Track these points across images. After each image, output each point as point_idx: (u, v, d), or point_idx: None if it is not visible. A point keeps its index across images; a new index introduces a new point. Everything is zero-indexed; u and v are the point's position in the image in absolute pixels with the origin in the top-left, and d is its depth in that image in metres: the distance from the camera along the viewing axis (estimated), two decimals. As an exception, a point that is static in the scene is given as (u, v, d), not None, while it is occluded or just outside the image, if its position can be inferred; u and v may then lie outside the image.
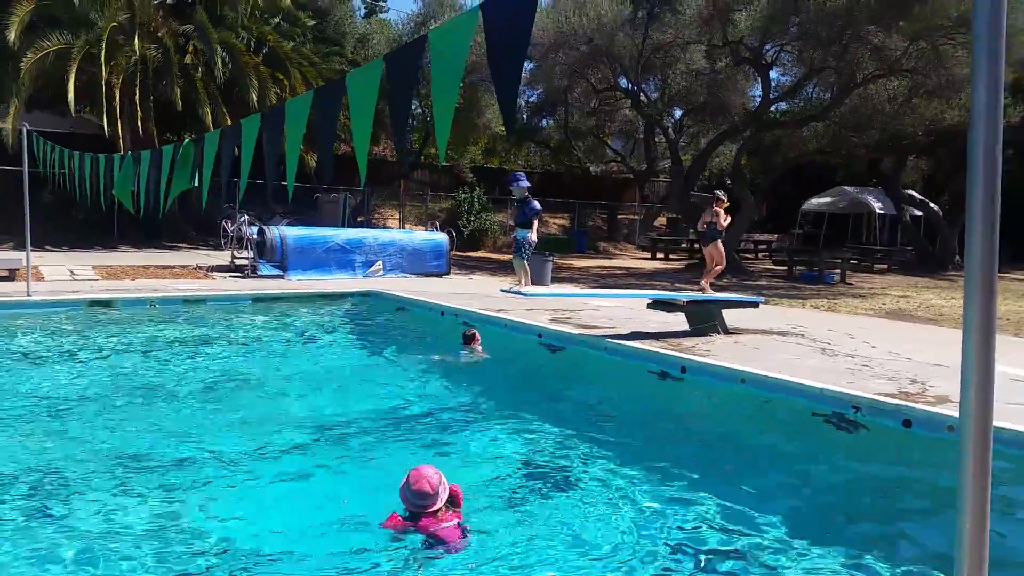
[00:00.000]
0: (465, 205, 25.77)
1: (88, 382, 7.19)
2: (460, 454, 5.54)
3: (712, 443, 6.16)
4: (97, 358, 8.15)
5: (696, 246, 24.62)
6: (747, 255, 26.78)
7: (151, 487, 4.61)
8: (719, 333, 8.98)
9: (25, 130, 10.72)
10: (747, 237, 26.88)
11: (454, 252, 18.64)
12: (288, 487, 4.84)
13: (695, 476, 5.00)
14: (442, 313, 11.38)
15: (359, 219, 23.94)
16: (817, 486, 5.19)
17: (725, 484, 4.90)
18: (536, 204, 9.37)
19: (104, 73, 16.44)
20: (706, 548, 4.04)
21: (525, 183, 9.29)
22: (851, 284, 18.31)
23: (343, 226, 20.62)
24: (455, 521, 3.81)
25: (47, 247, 16.92)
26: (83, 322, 9.96)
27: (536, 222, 9.31)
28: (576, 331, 9.15)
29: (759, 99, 22.18)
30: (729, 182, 25.16)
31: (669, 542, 4.08)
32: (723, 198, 10.96)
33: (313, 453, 5.41)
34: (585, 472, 5.12)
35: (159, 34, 18.05)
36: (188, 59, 18.26)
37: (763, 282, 18.50)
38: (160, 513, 4.24)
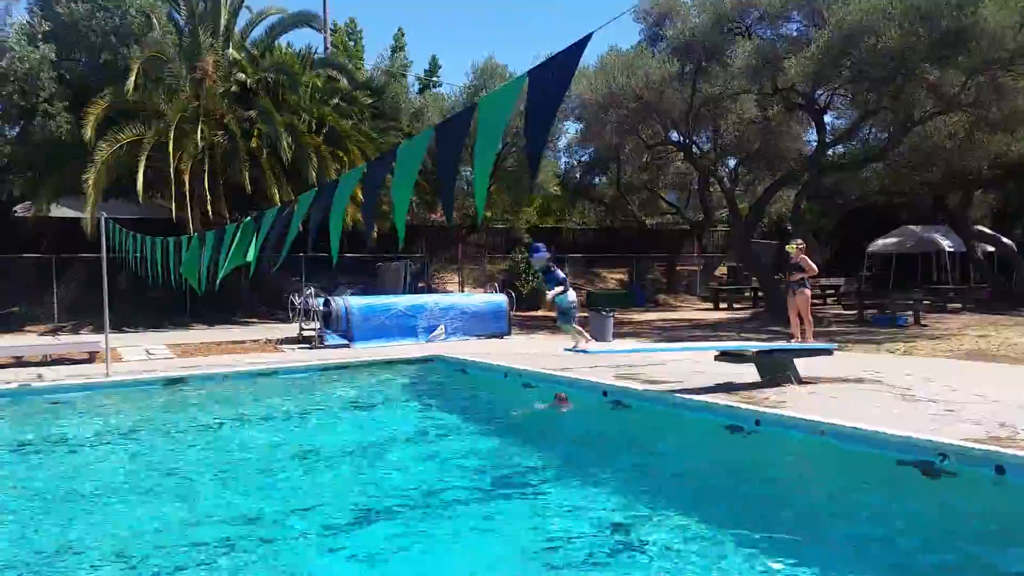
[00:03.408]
0: (523, 265, 25.93)
1: (169, 459, 7.36)
2: (530, 518, 5.44)
3: (794, 499, 5.92)
4: (173, 434, 8.34)
5: (760, 294, 24.22)
6: (815, 301, 26.04)
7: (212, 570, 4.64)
8: (792, 383, 8.72)
9: (103, 219, 11.30)
10: (813, 282, 26.20)
11: (514, 312, 18.68)
12: (361, 563, 4.82)
13: (778, 534, 4.80)
14: (505, 375, 11.36)
15: (419, 284, 24.27)
16: (911, 540, 4.91)
17: (812, 542, 4.68)
18: (559, 273, 9.26)
19: (173, 160, 17.29)
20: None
21: (543, 254, 9.25)
22: (926, 326, 17.63)
23: (404, 292, 20.93)
24: None
25: (124, 328, 17.60)
26: (161, 400, 10.26)
27: (559, 288, 9.11)
28: (642, 387, 9.00)
29: (815, 144, 21.93)
30: (790, 227, 24.76)
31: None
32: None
33: (385, 525, 5.38)
34: (659, 533, 4.95)
35: (225, 121, 18.95)
36: (254, 143, 19.08)
37: (834, 328, 17.97)
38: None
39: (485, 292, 20.51)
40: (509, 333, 17.39)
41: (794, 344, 10.83)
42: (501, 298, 18.02)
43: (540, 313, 24.61)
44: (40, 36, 17.93)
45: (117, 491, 6.23)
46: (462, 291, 25.28)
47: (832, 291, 27.66)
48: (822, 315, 22.55)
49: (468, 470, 6.71)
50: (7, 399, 9.94)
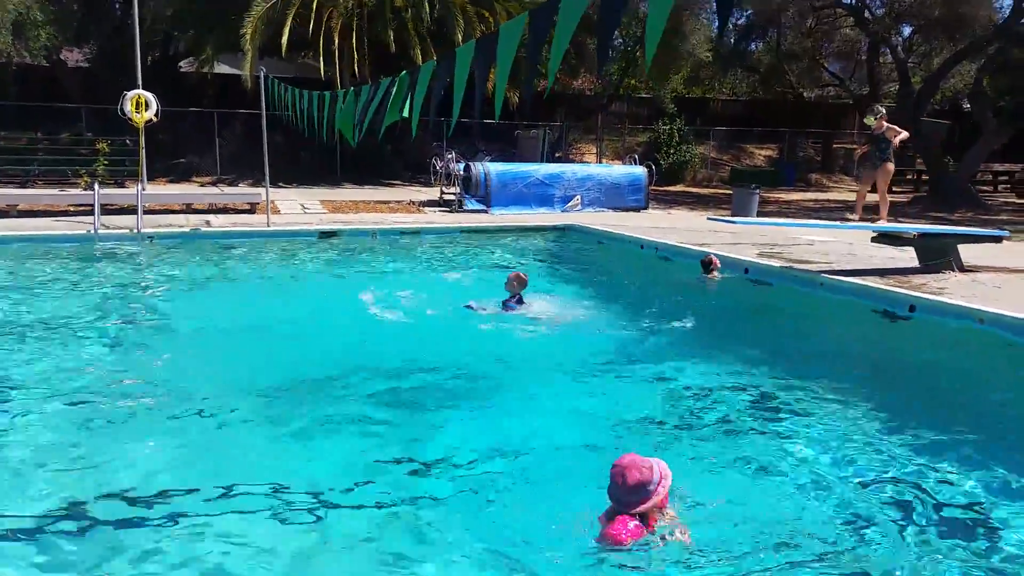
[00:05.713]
0: (664, 137, 25.05)
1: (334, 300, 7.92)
2: (662, 392, 5.47)
3: (944, 389, 5.66)
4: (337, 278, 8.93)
5: (924, 177, 22.53)
6: (984, 187, 23.94)
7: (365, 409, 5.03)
8: (953, 271, 8.17)
9: (263, 74, 11.68)
10: (985, 167, 23.97)
11: (652, 186, 18.26)
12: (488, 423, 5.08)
13: (923, 422, 4.64)
14: (641, 247, 11.26)
15: (556, 154, 24.04)
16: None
17: (959, 436, 4.49)
18: None
19: (323, 17, 17.53)
20: (935, 506, 3.73)
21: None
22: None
23: (542, 161, 20.82)
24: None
25: (280, 184, 18.57)
26: (316, 249, 10.95)
27: None
28: (786, 265, 8.71)
29: (1008, 9, 19.40)
30: (968, 105, 22.47)
31: (895, 498, 3.79)
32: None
33: (517, 389, 5.62)
34: (799, 419, 4.88)
35: (373, -23, 18.86)
36: (399, 2, 18.97)
37: (1004, 216, 16.52)
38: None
39: (624, 164, 20.07)
40: (647, 207, 17.10)
41: (957, 228, 10.12)
42: (640, 171, 17.61)
43: (679, 188, 23.97)
44: None
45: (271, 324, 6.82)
46: (600, 162, 24.86)
47: (1005, 177, 25.27)
48: (991, 202, 20.78)
49: (603, 342, 6.75)
50: (180, 240, 10.98)
